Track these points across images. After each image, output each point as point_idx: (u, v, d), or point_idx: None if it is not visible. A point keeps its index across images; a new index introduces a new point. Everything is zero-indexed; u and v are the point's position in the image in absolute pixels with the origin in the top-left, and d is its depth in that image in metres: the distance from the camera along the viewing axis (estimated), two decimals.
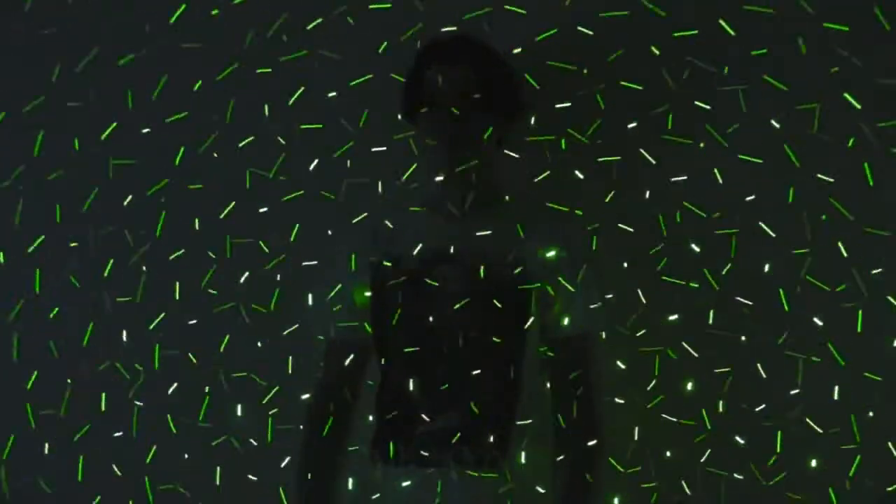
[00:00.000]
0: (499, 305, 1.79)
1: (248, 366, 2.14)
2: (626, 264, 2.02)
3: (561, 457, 1.77)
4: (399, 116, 1.94)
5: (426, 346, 1.79)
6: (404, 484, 1.76)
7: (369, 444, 1.84)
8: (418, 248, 1.83)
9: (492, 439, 1.75)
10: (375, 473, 1.81)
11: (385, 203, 1.95)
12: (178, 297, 2.17)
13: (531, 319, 1.80)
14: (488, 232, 1.83)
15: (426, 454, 1.75)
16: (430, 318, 1.79)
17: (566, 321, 1.81)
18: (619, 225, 2.03)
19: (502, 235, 1.84)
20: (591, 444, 1.77)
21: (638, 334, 2.02)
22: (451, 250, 1.82)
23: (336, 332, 1.89)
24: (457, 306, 1.79)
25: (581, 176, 2.04)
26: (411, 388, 1.78)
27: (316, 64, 2.12)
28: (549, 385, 1.82)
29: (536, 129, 2.03)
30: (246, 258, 2.15)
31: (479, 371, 1.77)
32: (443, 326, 1.79)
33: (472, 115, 1.81)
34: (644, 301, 2.02)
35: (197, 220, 2.17)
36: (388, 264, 1.84)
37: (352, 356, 1.88)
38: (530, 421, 1.78)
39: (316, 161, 2.12)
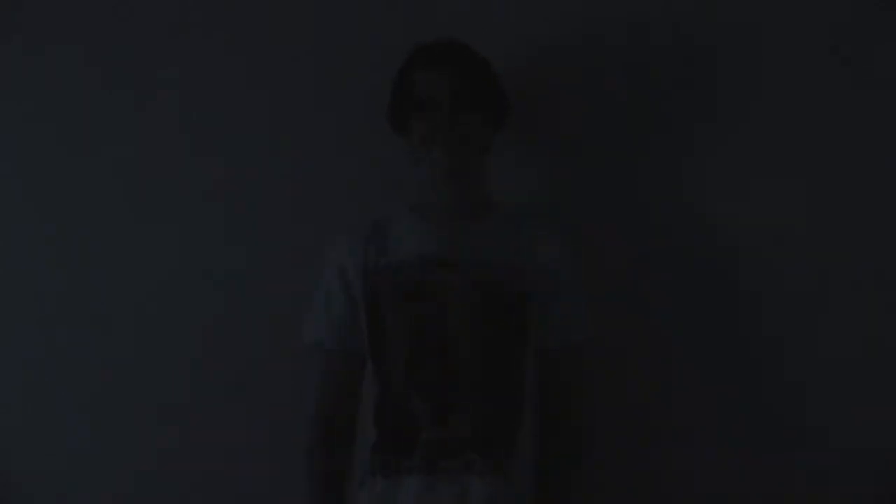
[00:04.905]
0: (497, 311, 1.77)
1: (237, 375, 2.13)
2: (625, 270, 2.01)
3: (547, 461, 1.79)
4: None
5: (425, 354, 1.77)
6: (406, 494, 1.74)
7: (367, 453, 1.81)
8: (415, 254, 1.82)
9: (497, 445, 1.74)
10: (374, 485, 1.78)
11: (381, 209, 1.93)
12: (167, 300, 2.17)
13: (530, 325, 1.78)
14: (486, 238, 1.82)
15: (431, 463, 1.74)
16: (429, 326, 1.78)
17: (564, 327, 1.81)
18: (619, 230, 2.02)
19: (500, 241, 1.82)
20: (578, 460, 1.81)
21: (636, 341, 2.01)
22: (449, 256, 1.81)
23: (334, 342, 1.86)
24: (455, 313, 1.77)
25: (580, 181, 2.03)
26: (412, 396, 1.77)
27: (312, 64, 2.11)
28: (540, 392, 1.81)
29: (533, 132, 2.03)
30: (239, 262, 2.14)
31: (480, 378, 1.75)
32: (442, 333, 1.77)
33: (464, 119, 1.79)
34: (644, 308, 2.01)
35: (191, 221, 2.16)
36: (385, 271, 1.83)
37: (351, 366, 1.86)
38: (535, 425, 1.78)
39: (311, 166, 2.11)
